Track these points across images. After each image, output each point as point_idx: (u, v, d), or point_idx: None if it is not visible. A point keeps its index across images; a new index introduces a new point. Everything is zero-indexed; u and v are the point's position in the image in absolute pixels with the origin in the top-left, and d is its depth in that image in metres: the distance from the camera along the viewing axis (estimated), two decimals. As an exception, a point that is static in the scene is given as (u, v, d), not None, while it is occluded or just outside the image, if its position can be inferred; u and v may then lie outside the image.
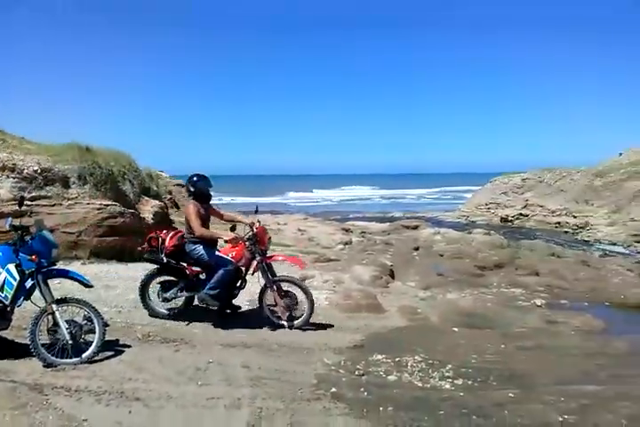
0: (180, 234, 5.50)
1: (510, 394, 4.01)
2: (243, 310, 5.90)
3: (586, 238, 16.92)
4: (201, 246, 5.37)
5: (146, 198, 10.08)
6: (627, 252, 14.49)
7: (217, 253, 5.42)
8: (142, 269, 6.81)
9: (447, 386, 4.15)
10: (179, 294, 5.50)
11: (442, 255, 10.30)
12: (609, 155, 33.63)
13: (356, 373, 4.25)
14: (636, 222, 17.78)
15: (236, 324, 5.43)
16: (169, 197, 13.01)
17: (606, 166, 26.92)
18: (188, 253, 5.40)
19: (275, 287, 5.43)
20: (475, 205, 26.52)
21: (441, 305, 6.82)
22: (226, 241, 5.36)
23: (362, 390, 3.86)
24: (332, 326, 5.64)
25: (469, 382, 4.24)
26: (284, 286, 5.48)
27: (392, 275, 8.63)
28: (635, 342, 5.78)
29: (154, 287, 5.53)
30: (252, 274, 5.63)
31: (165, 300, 5.51)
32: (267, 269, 5.48)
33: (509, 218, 22.67)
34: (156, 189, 11.12)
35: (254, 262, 5.50)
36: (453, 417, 3.48)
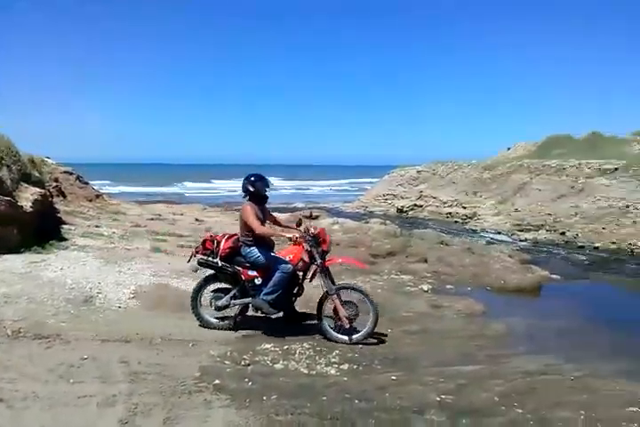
0: (235, 237, 5.18)
1: (393, 377, 4.08)
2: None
3: (473, 228, 17.87)
4: (256, 249, 5.08)
5: (25, 186, 9.26)
6: (510, 240, 15.46)
7: (273, 254, 5.14)
8: (21, 261, 6.30)
9: (333, 372, 4.16)
10: (232, 301, 5.15)
11: (338, 244, 10.37)
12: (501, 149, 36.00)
13: (242, 363, 4.15)
14: (519, 213, 19.08)
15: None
16: (54, 184, 12.07)
17: (495, 160, 28.65)
18: (244, 256, 5.11)
19: (336, 295, 5.01)
20: (373, 196, 27.21)
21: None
22: (289, 238, 4.99)
23: (246, 380, 3.77)
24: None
25: (354, 367, 4.28)
26: (343, 295, 5.04)
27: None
28: (511, 323, 6.13)
29: (206, 295, 5.19)
30: (311, 280, 5.24)
31: (218, 308, 5.15)
32: (328, 275, 5.11)
33: (405, 209, 23.48)
34: (38, 175, 10.25)
35: (312, 267, 5.13)
36: (336, 402, 3.47)
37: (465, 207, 21.83)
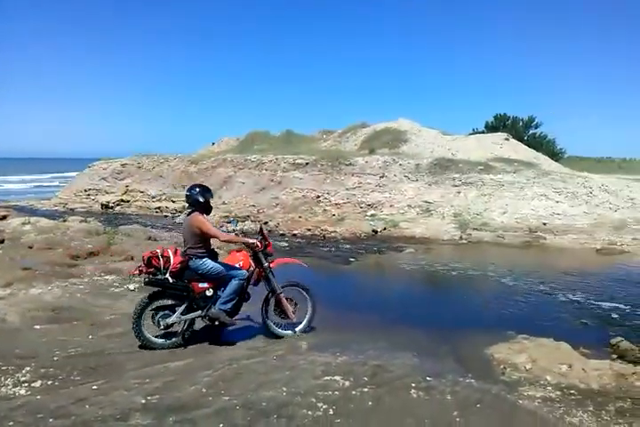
0: (179, 251, 5.01)
1: (94, 386, 3.77)
2: None
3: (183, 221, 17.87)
4: (209, 259, 5.03)
5: None
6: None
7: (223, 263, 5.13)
8: None
9: (22, 392, 3.65)
10: (183, 317, 4.95)
11: (31, 247, 9.18)
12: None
13: None
14: (227, 205, 19.82)
15: None
16: None
17: (200, 154, 29.15)
18: (195, 268, 4.97)
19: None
20: (74, 191, 24.95)
21: (23, 302, 6.00)
22: (252, 244, 5.18)
23: None
24: None
25: (49, 383, 3.84)
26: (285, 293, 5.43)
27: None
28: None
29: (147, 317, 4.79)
30: (256, 285, 5.38)
31: (167, 326, 4.88)
32: (274, 275, 5.38)
33: (110, 204, 22.13)
34: None
35: (256, 271, 5.33)
36: (26, 425, 3.05)
37: (174, 201, 21.69)
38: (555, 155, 32.87)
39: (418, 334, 5.84)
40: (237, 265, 5.22)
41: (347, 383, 3.98)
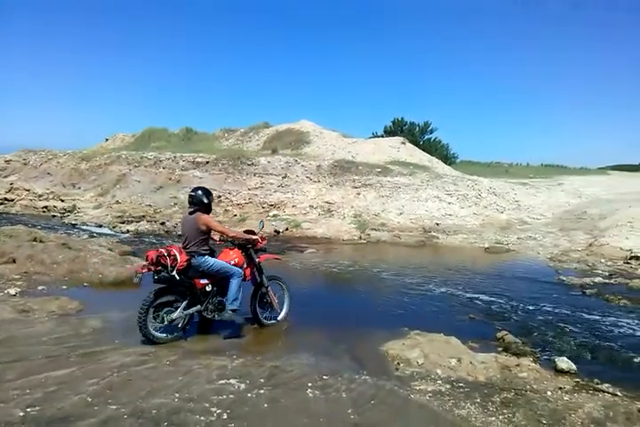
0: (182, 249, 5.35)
1: (-39, 405, 3.41)
2: None
3: (73, 222, 16.82)
4: (210, 257, 5.43)
5: None
6: (112, 233, 15.12)
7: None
8: None
9: None
10: (185, 312, 5.31)
11: None
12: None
13: None
14: (121, 205, 18.93)
15: None
16: None
17: (92, 151, 27.64)
18: (198, 265, 5.32)
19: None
20: (-54, 189, 22.72)
21: None
22: (254, 240, 5.85)
23: None
24: None
25: None
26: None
27: None
28: (108, 318, 5.93)
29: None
30: (245, 280, 5.84)
31: (171, 321, 5.20)
32: (262, 270, 6.01)
33: (-10, 203, 20.39)
34: None
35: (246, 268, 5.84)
36: None
37: (63, 200, 20.36)
38: (448, 159, 34.74)
39: (316, 333, 5.85)
40: (232, 262, 5.65)
41: (242, 386, 3.91)
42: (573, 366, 4.90)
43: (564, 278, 9.46)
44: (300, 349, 5.21)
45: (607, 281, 9.33)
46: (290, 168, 20.44)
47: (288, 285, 6.40)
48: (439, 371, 4.67)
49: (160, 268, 5.16)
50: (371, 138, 31.01)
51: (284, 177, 19.82)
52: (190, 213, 5.53)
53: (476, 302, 7.80)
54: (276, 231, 15.08)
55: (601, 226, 14.89)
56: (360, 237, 14.58)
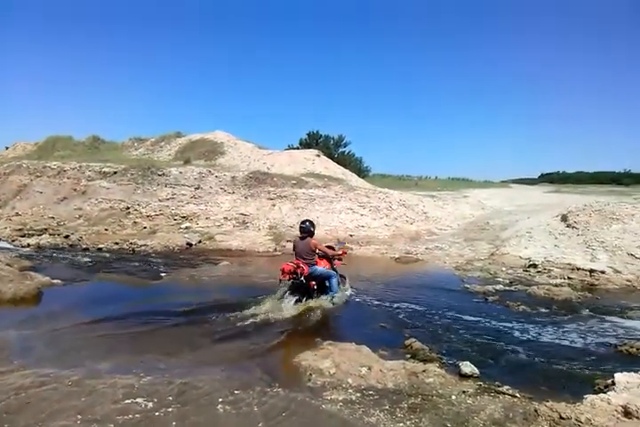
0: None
1: None
2: None
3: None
4: (316, 266, 8.06)
5: None
6: (11, 247, 14.16)
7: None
8: None
9: None
10: (304, 300, 7.86)
11: None
12: None
13: None
14: (21, 217, 17.79)
15: None
16: None
17: (-10, 159, 25.82)
18: (311, 273, 7.85)
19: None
20: None
21: None
22: (340, 255, 8.74)
23: None
24: None
25: None
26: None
27: None
28: (4, 338, 5.56)
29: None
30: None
31: (296, 302, 7.67)
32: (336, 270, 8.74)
33: None
34: None
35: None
36: None
37: (-46, 212, 18.83)
38: (361, 172, 35.65)
39: (227, 347, 5.77)
40: (327, 268, 8.34)
41: (150, 405, 3.78)
42: (476, 371, 5.14)
43: (469, 286, 9.93)
44: (211, 363, 5.11)
45: (508, 288, 9.89)
46: (203, 179, 20.12)
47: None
48: (350, 380, 4.74)
49: (295, 275, 7.59)
50: (286, 150, 31.21)
51: (197, 188, 19.48)
52: (302, 238, 8.09)
53: (387, 310, 8.00)
54: (188, 244, 14.74)
55: (502, 236, 15.79)
56: (276, 249, 14.56)
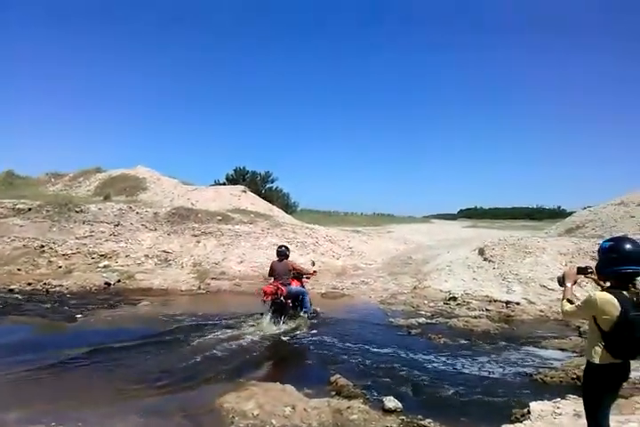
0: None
1: None
2: None
3: None
4: (291, 286, 9.37)
5: None
6: None
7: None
8: None
9: None
10: (283, 318, 8.97)
11: None
12: None
13: None
14: None
15: None
16: None
17: None
18: (288, 291, 9.12)
19: None
20: None
21: None
22: (312, 274, 10.45)
23: None
24: None
25: None
26: None
27: None
28: None
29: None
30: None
31: (277, 323, 8.85)
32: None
33: None
34: None
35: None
36: None
37: None
38: (289, 207, 35.83)
39: (145, 392, 5.50)
40: (299, 286, 9.73)
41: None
42: (399, 405, 5.18)
43: (393, 320, 10.07)
44: (128, 410, 4.84)
45: (430, 321, 10.11)
46: (124, 216, 19.48)
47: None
48: (274, 421, 4.63)
49: (275, 296, 8.86)
50: (212, 186, 30.94)
51: (117, 225, 18.79)
52: (280, 260, 9.57)
53: (313, 346, 7.95)
54: (106, 284, 14.05)
55: (424, 270, 16.23)
56: (199, 287, 14.18)
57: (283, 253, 9.62)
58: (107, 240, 17.70)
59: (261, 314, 9.11)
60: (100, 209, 19.61)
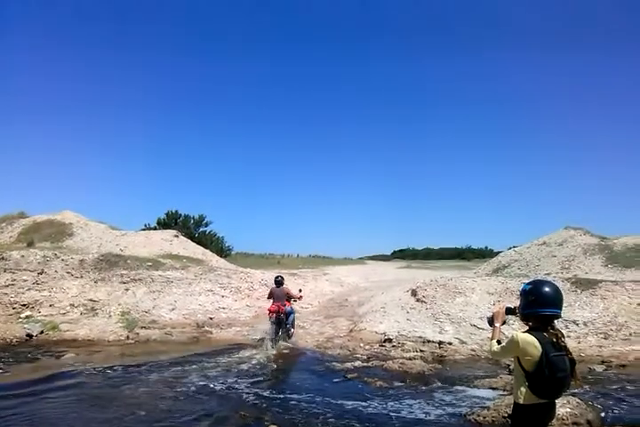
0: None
1: None
2: None
3: None
4: (286, 307, 12.27)
5: None
6: None
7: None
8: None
9: None
10: (281, 333, 12.08)
11: None
12: None
13: None
14: None
15: None
16: None
17: None
18: (285, 311, 12.16)
19: None
20: None
21: None
22: (299, 298, 13.01)
23: None
24: None
25: None
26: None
27: None
28: None
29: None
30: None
31: (275, 340, 11.78)
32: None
33: None
34: None
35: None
36: None
37: None
38: (223, 251, 35.29)
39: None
40: (290, 307, 12.52)
41: None
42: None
43: (329, 365, 10.00)
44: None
45: (366, 364, 10.11)
46: (48, 263, 18.54)
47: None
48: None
49: (278, 313, 11.91)
50: (143, 230, 30.14)
51: (41, 273, 17.83)
52: (277, 287, 12.63)
53: (249, 397, 7.74)
54: (28, 335, 13.19)
55: (359, 312, 16.29)
56: (128, 337, 13.57)
57: (280, 282, 12.76)
58: (29, 289, 16.73)
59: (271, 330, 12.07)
60: (22, 256, 18.59)
